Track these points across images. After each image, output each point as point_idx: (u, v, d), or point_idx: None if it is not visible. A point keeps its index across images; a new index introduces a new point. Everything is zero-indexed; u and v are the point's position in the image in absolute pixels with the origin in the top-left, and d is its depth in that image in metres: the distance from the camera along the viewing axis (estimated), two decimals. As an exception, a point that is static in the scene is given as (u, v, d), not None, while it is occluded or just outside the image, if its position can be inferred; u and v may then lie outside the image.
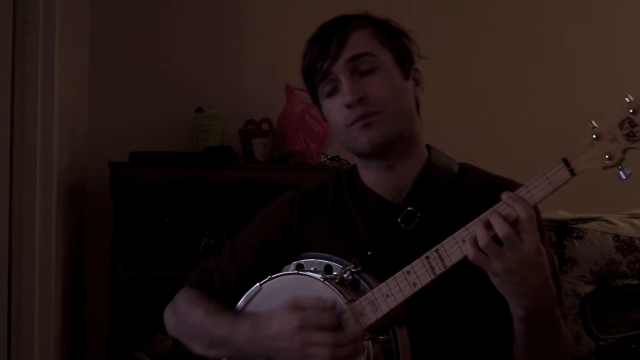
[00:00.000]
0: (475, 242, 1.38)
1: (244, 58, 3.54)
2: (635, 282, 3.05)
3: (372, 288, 1.52)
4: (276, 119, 3.37)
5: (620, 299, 3.04)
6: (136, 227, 3.28)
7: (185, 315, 1.73)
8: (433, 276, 1.44)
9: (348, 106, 1.57)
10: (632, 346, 2.89)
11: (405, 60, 1.66)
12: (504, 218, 1.37)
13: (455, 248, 1.42)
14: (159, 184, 3.29)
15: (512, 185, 1.49)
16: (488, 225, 1.38)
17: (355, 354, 1.47)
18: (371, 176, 1.68)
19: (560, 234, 3.13)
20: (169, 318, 1.79)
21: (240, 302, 1.69)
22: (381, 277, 1.54)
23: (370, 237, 1.63)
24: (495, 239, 1.37)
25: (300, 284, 1.59)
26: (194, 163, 3.21)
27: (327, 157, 3.40)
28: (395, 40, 1.65)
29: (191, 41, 3.54)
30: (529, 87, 3.58)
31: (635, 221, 3.14)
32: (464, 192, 1.65)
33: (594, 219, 3.16)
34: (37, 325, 3.05)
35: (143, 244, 3.30)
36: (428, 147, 1.72)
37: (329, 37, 1.61)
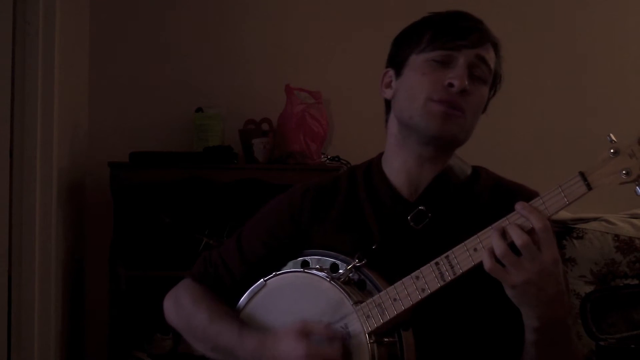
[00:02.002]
0: (492, 252, 1.37)
1: (244, 58, 3.53)
2: (635, 282, 3.06)
3: (378, 288, 1.52)
4: (276, 119, 3.37)
5: (620, 299, 3.05)
6: (136, 227, 3.28)
7: (189, 315, 1.72)
8: (442, 283, 1.44)
9: (451, 85, 1.56)
10: (632, 346, 2.90)
11: (489, 100, 1.69)
12: (520, 227, 1.37)
13: (466, 256, 1.41)
14: (159, 184, 3.29)
15: (525, 192, 1.48)
16: (503, 235, 1.37)
17: None
18: (397, 163, 1.67)
19: (561, 234, 3.14)
20: (170, 310, 1.78)
21: (244, 298, 1.68)
22: (386, 274, 1.54)
23: (379, 232, 1.63)
24: (512, 249, 1.37)
25: (306, 282, 1.59)
26: (194, 163, 3.21)
27: (327, 157, 3.41)
28: (496, 81, 1.69)
29: (191, 41, 3.54)
30: (537, 88, 3.58)
31: (635, 221, 3.15)
32: (476, 195, 1.66)
33: (594, 219, 3.17)
34: (37, 325, 3.04)
35: (143, 244, 3.30)
36: None
37: (473, 28, 1.62)
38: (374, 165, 1.72)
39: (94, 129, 3.52)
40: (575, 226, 3.13)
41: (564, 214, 3.17)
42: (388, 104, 1.71)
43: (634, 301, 3.03)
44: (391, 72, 1.70)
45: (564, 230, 3.14)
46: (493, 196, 1.64)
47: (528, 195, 1.41)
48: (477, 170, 1.72)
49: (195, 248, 3.20)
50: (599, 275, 3.08)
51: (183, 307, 1.74)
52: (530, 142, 3.53)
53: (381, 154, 1.73)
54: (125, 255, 3.18)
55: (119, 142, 3.39)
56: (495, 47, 1.66)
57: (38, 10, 3.00)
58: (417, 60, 1.62)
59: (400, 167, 1.66)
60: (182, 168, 3.19)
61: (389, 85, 1.70)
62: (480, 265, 1.40)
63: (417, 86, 1.60)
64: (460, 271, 1.42)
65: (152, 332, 3.26)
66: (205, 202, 3.39)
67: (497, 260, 1.37)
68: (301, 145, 3.29)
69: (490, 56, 1.63)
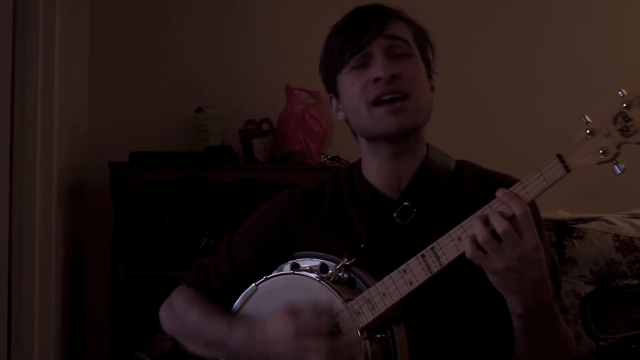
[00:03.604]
0: (474, 239, 1.38)
1: (244, 58, 3.54)
2: (635, 282, 3.05)
3: (368, 286, 1.52)
4: (276, 119, 3.37)
5: (620, 299, 3.04)
6: (136, 227, 3.28)
7: (182, 315, 1.74)
8: (429, 274, 1.44)
9: (377, 79, 1.58)
10: (632, 346, 2.89)
11: (428, 65, 1.70)
12: (501, 215, 1.38)
13: (451, 246, 1.42)
14: (159, 184, 3.29)
15: (509, 181, 1.49)
16: (486, 222, 1.38)
17: (352, 359, 1.47)
18: (374, 166, 1.68)
19: (560, 234, 3.13)
20: (165, 316, 1.79)
21: (237, 303, 1.69)
22: (375, 271, 1.55)
23: (366, 231, 1.64)
24: (494, 235, 1.37)
25: (296, 284, 1.59)
26: (194, 163, 3.21)
27: (327, 157, 3.41)
28: (424, 44, 1.70)
29: (191, 41, 3.54)
30: (527, 85, 3.57)
31: (635, 221, 3.14)
32: (461, 188, 1.66)
33: (594, 219, 3.16)
34: (37, 325, 3.05)
35: (143, 244, 3.30)
36: (426, 145, 1.72)
37: (370, 19, 1.64)
38: (355, 170, 1.74)
39: (94, 129, 3.52)
40: (575, 226, 3.13)
41: (564, 214, 3.17)
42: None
43: (634, 301, 3.02)
44: (333, 97, 1.73)
45: (564, 230, 3.14)
46: (478, 188, 1.64)
47: (511, 183, 1.41)
48: (461, 163, 1.73)
49: (196, 248, 3.20)
50: (599, 275, 3.07)
51: (176, 310, 1.76)
52: (530, 142, 3.52)
53: (360, 159, 1.74)
54: (125, 255, 3.18)
55: (119, 142, 3.39)
56: (401, 17, 1.68)
57: (38, 10, 3.01)
58: (343, 78, 1.65)
59: (377, 169, 1.68)
60: (182, 168, 3.19)
61: (338, 109, 1.73)
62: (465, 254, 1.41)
63: (353, 98, 1.63)
64: (446, 261, 1.43)
65: (152, 332, 3.26)
66: (205, 202, 3.39)
67: (479, 247, 1.38)
68: (301, 145, 3.28)
69: (400, 29, 1.64)
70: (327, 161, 3.39)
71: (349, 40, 1.62)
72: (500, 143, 3.50)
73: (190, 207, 3.39)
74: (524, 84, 3.57)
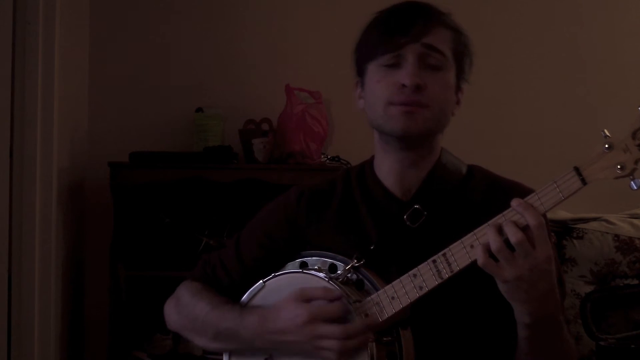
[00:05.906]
0: (486, 247, 1.38)
1: (244, 58, 3.53)
2: (635, 282, 3.06)
3: (376, 288, 1.52)
4: (276, 119, 3.37)
5: (620, 299, 3.05)
6: (136, 227, 3.28)
7: (189, 307, 1.72)
8: (440, 280, 1.44)
9: (404, 85, 1.57)
10: (632, 346, 2.90)
11: (462, 76, 1.68)
12: (515, 224, 1.38)
13: (463, 253, 1.42)
14: (159, 184, 3.29)
15: (520, 189, 1.49)
16: (499, 231, 1.38)
17: (365, 345, 1.47)
18: (386, 165, 1.67)
19: (560, 234, 3.13)
20: (171, 311, 1.78)
21: (244, 299, 1.68)
22: (384, 273, 1.55)
23: (376, 232, 1.63)
24: (507, 245, 1.37)
25: (304, 282, 1.58)
26: (194, 163, 3.21)
27: (327, 157, 3.41)
28: (464, 55, 1.68)
29: (191, 41, 3.53)
30: (536, 88, 3.57)
31: (635, 221, 3.14)
32: (471, 193, 1.66)
33: (594, 219, 3.16)
34: (37, 325, 3.05)
35: (143, 243, 3.30)
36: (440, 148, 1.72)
37: (414, 18, 1.62)
38: (367, 168, 1.73)
39: (94, 129, 3.52)
40: (575, 226, 3.13)
41: (564, 214, 3.17)
42: None
43: (634, 301, 3.03)
44: (359, 84, 1.71)
45: (564, 231, 3.14)
46: (489, 194, 1.64)
47: (524, 192, 1.41)
48: (472, 168, 1.73)
49: (195, 248, 3.20)
50: (599, 275, 3.08)
51: (183, 303, 1.75)
52: (531, 143, 3.53)
53: (373, 157, 1.74)
54: (125, 255, 3.18)
55: (119, 142, 3.39)
56: (448, 26, 1.65)
57: (38, 10, 3.00)
58: (372, 69, 1.64)
59: (388, 170, 1.68)
60: (182, 168, 3.19)
61: (360, 96, 1.71)
62: (477, 262, 1.40)
63: (375, 94, 1.62)
64: (457, 268, 1.43)
65: (152, 332, 3.26)
66: (205, 202, 3.39)
67: (491, 255, 1.38)
68: (301, 145, 3.28)
69: (441, 40, 1.62)
70: (327, 161, 3.39)
71: (386, 36, 1.61)
72: (502, 145, 3.50)
73: (190, 207, 3.39)
74: (528, 87, 3.56)
